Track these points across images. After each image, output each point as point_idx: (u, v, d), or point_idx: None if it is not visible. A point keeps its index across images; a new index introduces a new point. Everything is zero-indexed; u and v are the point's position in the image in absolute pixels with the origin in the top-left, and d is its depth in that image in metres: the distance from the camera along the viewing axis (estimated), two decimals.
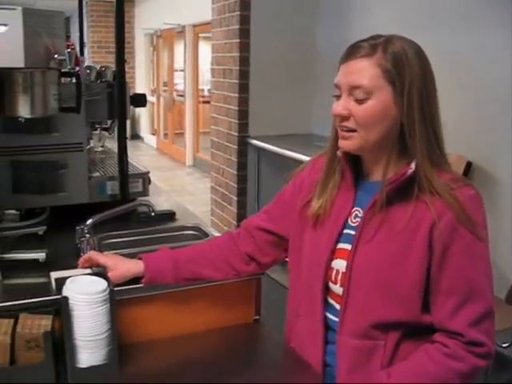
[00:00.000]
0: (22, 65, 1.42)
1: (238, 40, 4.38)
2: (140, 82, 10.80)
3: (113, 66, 2.15)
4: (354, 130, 1.19)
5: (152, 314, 1.46)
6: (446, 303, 1.18)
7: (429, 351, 1.19)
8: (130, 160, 2.08)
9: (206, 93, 8.83)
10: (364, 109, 1.17)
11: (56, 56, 1.51)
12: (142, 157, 8.84)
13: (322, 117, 4.44)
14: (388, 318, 1.20)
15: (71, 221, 1.75)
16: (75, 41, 3.21)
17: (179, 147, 9.26)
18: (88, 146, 2.07)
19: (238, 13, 4.36)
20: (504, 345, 2.32)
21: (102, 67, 2.14)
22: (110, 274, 1.38)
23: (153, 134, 10.61)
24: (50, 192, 1.91)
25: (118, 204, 1.87)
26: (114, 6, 1.81)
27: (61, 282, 1.32)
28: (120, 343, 1.31)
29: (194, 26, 8.26)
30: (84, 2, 2.67)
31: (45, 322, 1.24)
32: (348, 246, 1.25)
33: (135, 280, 1.42)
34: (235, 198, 4.64)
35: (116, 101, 1.94)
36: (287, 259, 1.43)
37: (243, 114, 4.50)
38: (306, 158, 1.46)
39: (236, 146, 4.56)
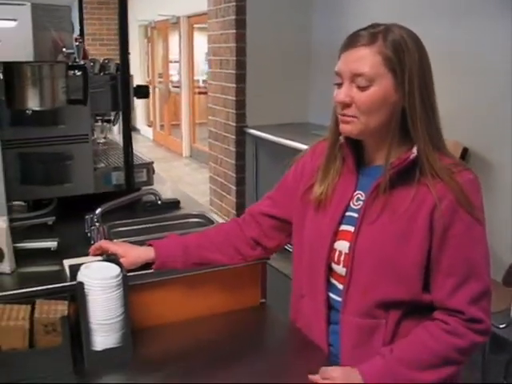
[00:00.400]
0: (31, 58, 1.45)
1: (235, 30, 4.40)
2: (135, 74, 10.72)
3: (115, 59, 2.19)
4: (355, 117, 1.22)
5: (162, 299, 1.50)
6: (446, 283, 1.22)
7: (429, 328, 1.23)
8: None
9: (201, 83, 8.84)
10: (366, 95, 1.20)
11: (64, 49, 1.55)
12: (138, 148, 8.77)
13: (318, 106, 4.47)
14: (389, 297, 1.24)
15: (77, 211, 1.80)
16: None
17: (175, 138, 9.28)
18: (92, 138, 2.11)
19: (234, 3, 4.37)
20: (501, 326, 2.36)
21: (105, 60, 2.17)
22: (121, 261, 1.41)
23: (149, 126, 10.61)
24: (56, 183, 1.95)
25: (123, 194, 1.92)
26: None
27: (74, 268, 1.36)
28: (132, 327, 1.35)
29: (189, 17, 8.26)
30: None
31: (61, 307, 1.29)
32: (351, 228, 1.29)
33: (145, 266, 1.46)
34: (234, 188, 4.68)
35: (120, 93, 1.97)
36: (290, 245, 1.48)
37: (241, 104, 4.52)
38: (303, 147, 1.50)
39: (234, 136, 4.58)
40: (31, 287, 1.39)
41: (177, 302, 1.52)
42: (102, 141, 2.54)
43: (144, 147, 9.37)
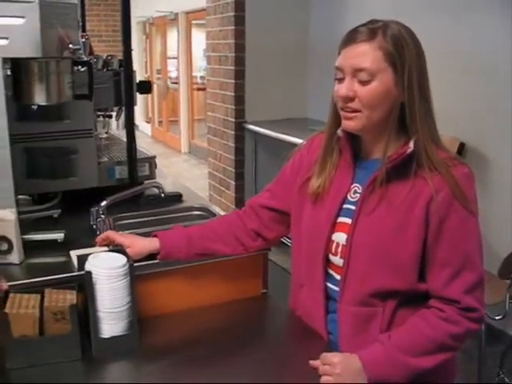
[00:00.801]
0: (39, 55, 1.48)
1: (233, 27, 4.43)
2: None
3: (115, 55, 2.22)
4: (358, 111, 1.25)
5: (167, 288, 1.54)
6: (442, 273, 1.25)
7: (426, 316, 1.27)
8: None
9: (199, 80, 8.86)
10: (368, 89, 1.22)
11: (70, 46, 1.58)
12: (137, 144, 8.84)
13: (317, 101, 4.50)
14: (386, 286, 1.28)
15: (82, 204, 1.84)
16: None
17: (174, 134, 9.29)
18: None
19: (233, 0, 4.41)
20: (497, 317, 2.39)
21: (108, 56, 2.20)
22: (127, 251, 1.44)
23: (147, 122, 10.62)
24: (61, 177, 1.98)
25: (126, 187, 1.95)
26: None
27: (82, 259, 1.40)
28: (138, 316, 1.39)
29: (187, 13, 8.27)
30: None
31: (70, 296, 1.32)
32: (348, 220, 1.32)
33: (150, 257, 1.50)
34: (233, 183, 4.72)
35: (123, 88, 2.00)
36: (288, 238, 1.51)
37: (239, 100, 4.56)
38: (301, 142, 1.53)
39: (233, 132, 4.62)
40: (40, 277, 1.42)
41: (181, 291, 1.56)
42: (104, 136, 2.57)
43: (143, 143, 9.28)
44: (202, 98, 7.68)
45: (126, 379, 1.33)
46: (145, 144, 9.25)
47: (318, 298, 1.39)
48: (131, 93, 2.02)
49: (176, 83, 9.07)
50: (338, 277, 1.35)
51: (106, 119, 2.48)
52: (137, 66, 10.64)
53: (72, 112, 1.96)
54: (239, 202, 4.62)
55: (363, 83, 1.23)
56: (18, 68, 1.62)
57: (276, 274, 1.96)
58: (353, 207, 1.32)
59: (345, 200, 1.34)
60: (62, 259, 1.57)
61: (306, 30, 4.56)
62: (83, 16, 2.78)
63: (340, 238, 1.33)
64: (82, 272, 1.34)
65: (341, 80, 1.26)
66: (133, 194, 1.87)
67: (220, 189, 4.99)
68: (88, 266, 1.34)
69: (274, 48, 4.49)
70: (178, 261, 1.51)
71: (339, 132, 1.34)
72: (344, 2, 4.12)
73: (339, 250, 1.34)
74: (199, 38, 7.90)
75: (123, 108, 2.14)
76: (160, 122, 10.08)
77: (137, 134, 2.06)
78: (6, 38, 1.47)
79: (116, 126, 2.72)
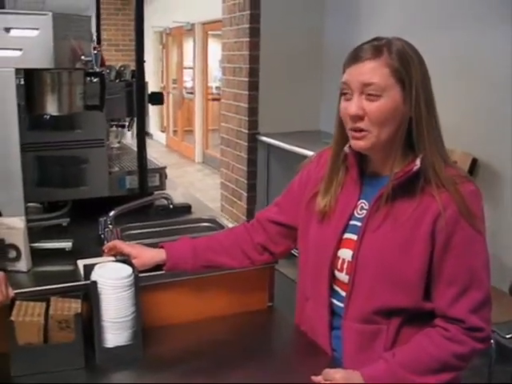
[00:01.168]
0: (51, 66, 1.51)
1: (248, 39, 4.46)
2: (149, 80, 10.80)
3: (130, 65, 2.25)
4: (367, 131, 1.24)
5: (173, 300, 1.54)
6: (448, 291, 1.24)
7: (430, 334, 1.26)
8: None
9: (214, 90, 8.91)
10: (376, 106, 1.21)
11: (82, 57, 1.60)
12: (151, 153, 8.77)
13: (330, 115, 4.49)
14: (391, 304, 1.27)
15: (91, 213, 1.85)
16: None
17: (188, 144, 9.34)
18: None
19: (248, 12, 4.44)
20: (507, 336, 2.37)
21: (121, 67, 2.23)
22: (133, 262, 1.45)
23: (162, 131, 10.69)
24: (72, 186, 2.01)
25: (136, 197, 1.97)
26: (125, 4, 1.88)
27: (89, 268, 1.41)
28: (142, 326, 1.39)
29: (204, 24, 8.34)
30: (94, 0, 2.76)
31: (75, 305, 1.33)
32: (354, 237, 1.32)
33: (157, 268, 1.51)
34: (245, 194, 4.72)
35: (135, 99, 2.03)
36: (297, 250, 1.51)
37: (253, 112, 4.57)
38: (312, 154, 1.54)
39: (246, 143, 4.64)
40: (47, 285, 1.44)
41: (187, 303, 1.56)
42: (116, 145, 2.59)
43: (157, 152, 9.44)
44: (217, 108, 7.71)
45: None
46: (159, 153, 9.38)
47: (322, 314, 1.38)
48: (143, 104, 2.05)
49: (191, 93, 9.13)
50: (343, 293, 1.34)
51: (119, 129, 2.50)
52: (152, 75, 10.75)
53: (84, 122, 1.98)
54: (251, 213, 4.62)
55: (372, 100, 1.22)
56: (31, 78, 1.65)
57: (284, 286, 1.96)
58: (359, 223, 1.32)
59: (351, 216, 1.34)
60: (69, 268, 1.58)
61: (320, 43, 4.57)
62: (98, 26, 2.82)
63: (346, 254, 1.33)
64: (88, 281, 1.35)
65: (348, 97, 1.26)
66: (141, 204, 1.88)
67: (232, 199, 5.00)
68: (94, 276, 1.35)
69: (288, 60, 4.51)
70: (184, 272, 1.52)
71: (346, 149, 1.34)
72: (359, 15, 4.11)
73: (345, 266, 1.33)
74: (215, 49, 7.95)
75: (135, 118, 2.16)
76: (175, 132, 10.14)
77: (152, 143, 2.08)
78: (20, 50, 1.49)
79: (130, 136, 2.74)
